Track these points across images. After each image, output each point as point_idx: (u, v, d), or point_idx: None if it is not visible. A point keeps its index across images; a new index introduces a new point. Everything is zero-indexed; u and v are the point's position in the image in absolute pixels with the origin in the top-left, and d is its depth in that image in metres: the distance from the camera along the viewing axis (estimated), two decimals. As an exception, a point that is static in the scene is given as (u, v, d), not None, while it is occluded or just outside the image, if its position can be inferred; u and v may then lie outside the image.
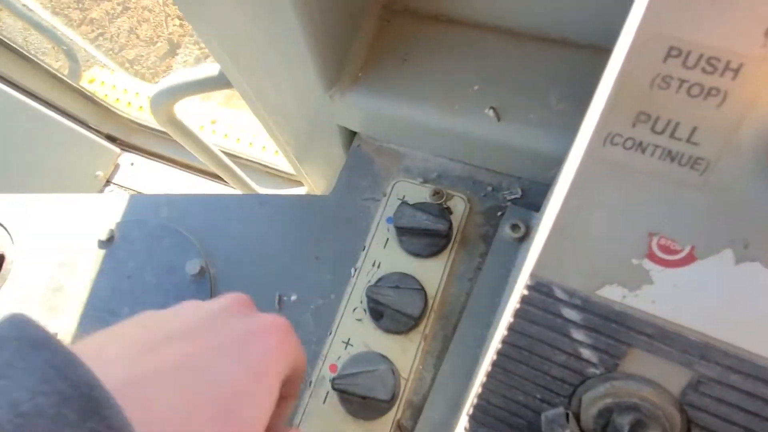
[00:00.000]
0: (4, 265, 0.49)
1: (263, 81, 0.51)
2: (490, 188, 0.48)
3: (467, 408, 0.29)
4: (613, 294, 0.22)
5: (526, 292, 0.24)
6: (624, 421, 0.22)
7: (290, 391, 0.28)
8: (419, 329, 0.44)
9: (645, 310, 0.22)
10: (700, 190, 0.19)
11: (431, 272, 0.45)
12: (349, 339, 0.45)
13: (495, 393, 0.27)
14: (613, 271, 0.22)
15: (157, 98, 0.69)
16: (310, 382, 0.44)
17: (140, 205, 0.50)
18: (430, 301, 0.44)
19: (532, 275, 0.23)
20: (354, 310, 0.45)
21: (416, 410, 0.42)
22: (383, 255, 0.47)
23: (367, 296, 0.43)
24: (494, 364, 0.26)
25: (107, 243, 0.48)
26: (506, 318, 0.25)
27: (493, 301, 0.43)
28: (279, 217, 0.50)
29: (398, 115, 0.45)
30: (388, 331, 0.44)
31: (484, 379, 0.27)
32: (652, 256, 0.21)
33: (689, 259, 0.20)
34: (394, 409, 0.42)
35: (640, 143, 0.19)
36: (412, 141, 0.49)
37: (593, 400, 0.24)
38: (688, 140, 0.19)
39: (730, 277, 0.19)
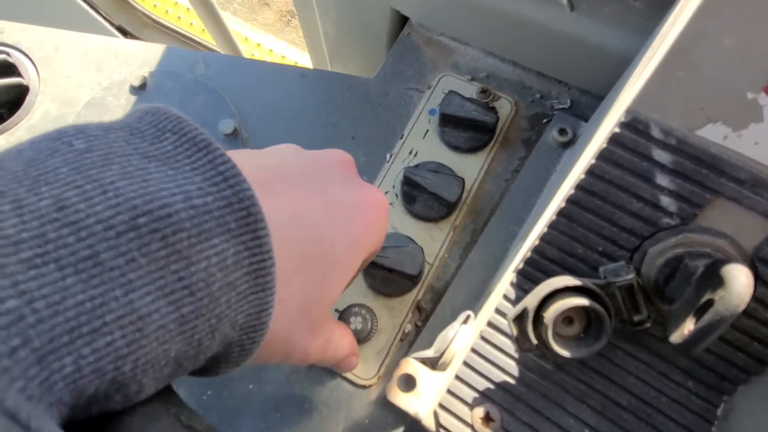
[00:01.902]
0: (28, 97, 0.46)
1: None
2: (538, 95, 0.47)
3: (516, 265, 0.29)
4: (714, 134, 0.21)
5: (617, 130, 0.23)
6: (698, 263, 0.22)
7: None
8: (450, 219, 0.44)
9: (743, 153, 0.21)
10: None
11: (468, 167, 0.45)
12: (377, 220, 0.44)
13: (552, 245, 0.27)
14: (722, 107, 0.21)
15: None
16: (334, 256, 0.43)
17: (176, 57, 0.48)
18: (464, 195, 0.44)
19: (629, 111, 0.22)
20: (386, 193, 0.45)
21: (437, 295, 0.42)
22: (421, 145, 0.46)
23: (405, 176, 0.42)
24: (560, 213, 0.26)
25: (139, 90, 0.46)
26: (582, 163, 0.25)
27: (529, 201, 0.43)
28: (319, 92, 0.48)
29: (464, -5, 0.43)
30: (418, 217, 0.43)
31: (545, 230, 0.27)
32: (769, 90, 0.20)
33: (811, 93, 0.19)
34: (416, 289, 0.42)
35: (797, -48, 0.18)
36: (468, 32, 0.47)
37: (661, 252, 0.24)
38: None
39: None
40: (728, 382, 0.25)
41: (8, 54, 0.47)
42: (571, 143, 0.44)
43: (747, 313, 0.24)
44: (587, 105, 0.46)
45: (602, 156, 0.24)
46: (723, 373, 0.25)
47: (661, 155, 0.22)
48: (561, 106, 0.47)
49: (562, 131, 0.43)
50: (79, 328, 0.13)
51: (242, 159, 0.21)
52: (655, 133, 0.22)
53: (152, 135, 0.16)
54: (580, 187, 0.25)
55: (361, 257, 0.24)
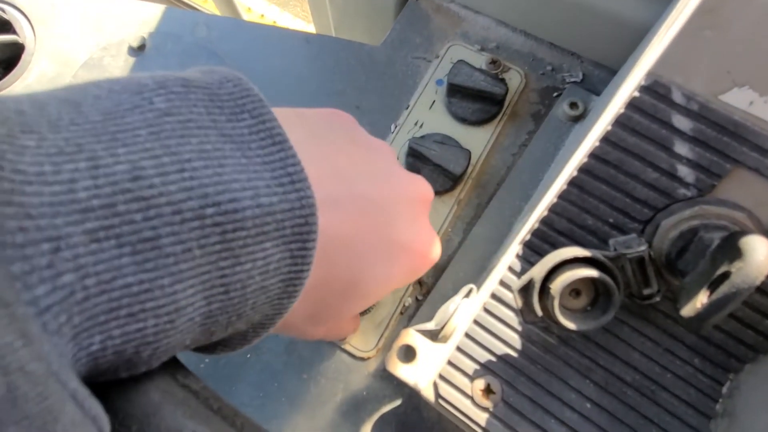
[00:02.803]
0: (24, 56, 0.45)
1: None
2: (549, 67, 0.46)
3: (522, 237, 0.28)
4: (739, 99, 0.20)
5: (636, 95, 0.22)
6: (714, 235, 0.21)
7: None
8: (454, 193, 0.43)
9: (769, 121, 0.20)
10: None
11: (475, 140, 0.44)
12: (380, 192, 0.43)
13: (561, 217, 0.26)
14: (750, 70, 0.20)
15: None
16: (335, 227, 0.42)
17: (176, 19, 0.46)
18: (470, 168, 0.43)
19: (650, 74, 0.21)
20: (389, 165, 0.44)
21: (438, 270, 0.42)
22: (427, 116, 0.45)
23: (410, 147, 0.41)
24: (571, 183, 0.25)
25: (138, 51, 0.45)
26: (596, 131, 0.24)
27: (536, 176, 0.42)
28: (323, 59, 0.46)
29: (476, -41, 0.41)
30: (422, 189, 0.42)
31: (554, 200, 0.26)
32: (802, 52, 0.19)
33: None
34: (418, 263, 0.41)
35: None
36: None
37: (675, 224, 0.23)
38: None
39: None
40: (735, 360, 0.25)
41: (3, 10, 0.45)
42: (581, 117, 0.42)
43: (760, 289, 0.23)
44: (600, 79, 0.45)
45: (619, 122, 0.23)
46: (731, 351, 0.25)
47: (681, 121, 0.21)
48: (573, 80, 0.45)
49: (572, 105, 0.42)
50: (118, 310, 0.12)
51: (325, 155, 0.20)
52: (677, 97, 0.21)
53: (230, 109, 0.16)
54: (593, 155, 0.24)
55: (390, 290, 0.24)
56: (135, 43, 0.44)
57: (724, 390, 0.25)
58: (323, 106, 0.45)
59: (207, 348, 0.19)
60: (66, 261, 0.11)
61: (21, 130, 0.12)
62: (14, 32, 0.45)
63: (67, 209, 0.11)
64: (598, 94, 0.43)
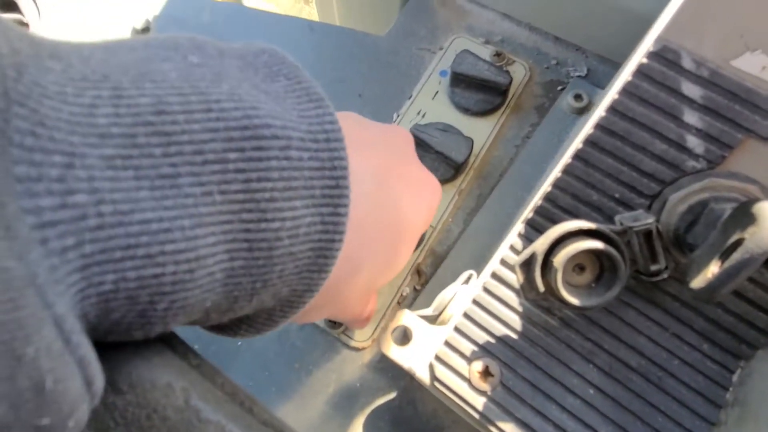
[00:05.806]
0: (25, 35, 0.45)
1: None
2: (554, 61, 0.45)
3: (525, 216, 0.27)
4: (750, 65, 0.20)
5: (645, 61, 0.21)
6: (725, 206, 0.20)
7: None
8: (455, 183, 0.42)
9: (783, 86, 0.19)
10: None
11: (478, 130, 0.43)
12: (380, 180, 0.42)
13: (566, 193, 0.25)
14: (764, 33, 0.19)
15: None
16: (333, 215, 0.42)
17: (181, 2, 0.46)
18: (472, 159, 0.42)
19: (660, 39, 0.21)
20: (390, 154, 0.43)
21: (437, 259, 0.41)
22: (430, 106, 0.44)
23: (412, 134, 0.41)
24: (576, 156, 0.24)
25: (142, 33, 0.44)
26: (606, 101, 0.23)
27: (539, 168, 0.41)
28: (327, 47, 0.46)
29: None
30: (423, 178, 0.42)
31: (559, 175, 0.25)
32: (819, 12, 0.18)
33: None
34: (416, 253, 0.40)
35: None
36: (485, -9, 0.46)
37: (684, 198, 0.22)
38: None
39: None
40: (747, 346, 0.24)
41: (8, -9, 0.45)
42: (586, 110, 0.42)
43: (773, 268, 0.22)
44: (604, 74, 0.44)
45: (626, 91, 0.22)
46: (742, 336, 0.24)
47: (691, 89, 0.21)
48: (577, 74, 0.45)
49: (577, 96, 0.42)
50: (135, 248, 0.11)
51: (366, 157, 0.20)
52: (687, 63, 0.20)
53: (265, 74, 0.15)
54: (599, 126, 0.23)
55: (419, 235, 0.24)
56: (139, 26, 0.44)
57: (735, 378, 0.24)
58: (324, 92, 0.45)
59: (230, 328, 0.17)
60: (79, 180, 0.10)
61: (49, 55, 0.11)
62: (19, 11, 0.45)
63: (84, 130, 0.11)
64: (602, 88, 0.43)
